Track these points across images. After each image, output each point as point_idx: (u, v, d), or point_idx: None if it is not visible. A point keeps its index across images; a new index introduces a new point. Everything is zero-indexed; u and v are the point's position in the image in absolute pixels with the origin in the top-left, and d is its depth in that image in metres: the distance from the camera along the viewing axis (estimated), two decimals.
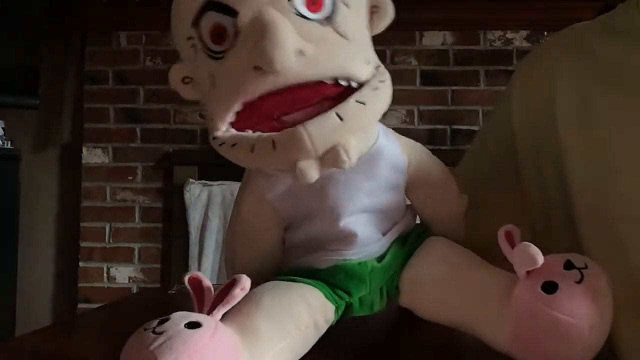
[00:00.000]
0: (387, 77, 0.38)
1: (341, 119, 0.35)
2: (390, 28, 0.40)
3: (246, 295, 0.34)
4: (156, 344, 0.29)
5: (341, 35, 0.36)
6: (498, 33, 2.26)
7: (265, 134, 0.35)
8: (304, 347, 0.37)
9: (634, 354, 0.44)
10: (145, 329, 0.31)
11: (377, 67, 0.39)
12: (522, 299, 0.35)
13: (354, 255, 0.41)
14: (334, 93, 0.36)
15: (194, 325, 0.31)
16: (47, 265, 2.32)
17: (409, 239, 0.44)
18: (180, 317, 0.31)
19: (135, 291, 2.22)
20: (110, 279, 2.23)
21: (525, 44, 2.25)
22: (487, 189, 0.57)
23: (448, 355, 0.43)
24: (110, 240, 2.25)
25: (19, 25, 2.09)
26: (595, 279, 0.35)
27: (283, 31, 0.33)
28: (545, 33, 2.21)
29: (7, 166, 2.01)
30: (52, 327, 0.58)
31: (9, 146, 2.07)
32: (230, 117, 0.36)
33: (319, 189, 0.39)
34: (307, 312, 0.38)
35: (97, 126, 2.27)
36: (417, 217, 0.48)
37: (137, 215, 2.26)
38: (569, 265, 0.35)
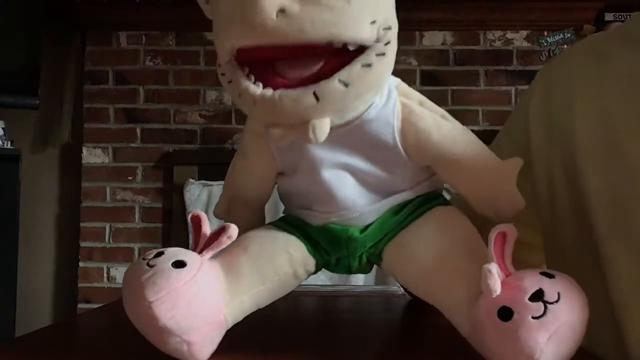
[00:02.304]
0: (389, 49, 0.36)
1: (318, 99, 0.34)
2: None
3: (240, 236, 0.39)
4: (145, 276, 0.33)
5: None
6: (498, 33, 2.26)
7: (252, 87, 0.35)
8: (282, 291, 0.41)
9: None
10: (143, 259, 0.35)
11: (385, 29, 0.36)
12: (479, 315, 0.34)
13: (338, 218, 0.42)
14: (329, 54, 0.34)
15: (179, 264, 0.34)
16: (47, 265, 2.33)
17: (405, 209, 0.42)
18: (171, 255, 0.35)
19: None
20: (110, 279, 2.23)
21: (525, 44, 2.25)
22: None
23: (452, 355, 0.43)
24: (110, 240, 2.25)
25: (19, 25, 2.09)
26: (562, 316, 0.31)
27: None
28: (545, 33, 2.20)
29: (7, 166, 2.01)
30: (52, 327, 0.58)
31: (9, 146, 2.07)
32: (231, 50, 0.36)
33: (302, 146, 0.40)
34: (288, 262, 0.41)
35: (97, 126, 2.27)
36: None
37: (137, 215, 2.26)
38: (537, 296, 0.31)
